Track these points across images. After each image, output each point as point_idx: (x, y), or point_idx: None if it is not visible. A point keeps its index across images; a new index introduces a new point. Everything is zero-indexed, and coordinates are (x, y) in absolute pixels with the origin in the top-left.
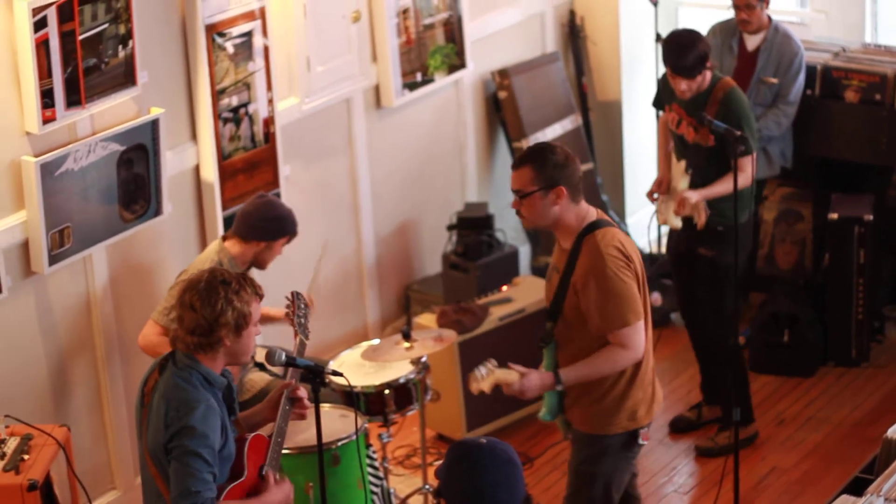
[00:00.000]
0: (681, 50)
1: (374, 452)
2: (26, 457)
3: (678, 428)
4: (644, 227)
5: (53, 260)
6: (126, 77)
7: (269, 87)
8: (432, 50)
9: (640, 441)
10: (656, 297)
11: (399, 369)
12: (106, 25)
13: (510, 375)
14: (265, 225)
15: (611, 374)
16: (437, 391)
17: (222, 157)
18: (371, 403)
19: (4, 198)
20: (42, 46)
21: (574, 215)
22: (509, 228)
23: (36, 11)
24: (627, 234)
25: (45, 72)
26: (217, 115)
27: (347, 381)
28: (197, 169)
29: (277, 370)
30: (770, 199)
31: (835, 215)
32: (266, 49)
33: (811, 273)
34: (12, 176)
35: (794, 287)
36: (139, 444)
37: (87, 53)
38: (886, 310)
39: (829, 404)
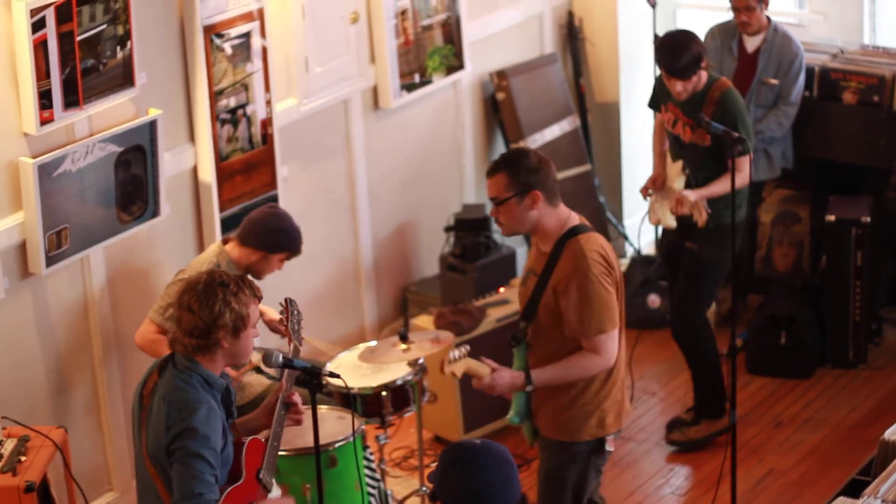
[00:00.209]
0: (674, 51)
1: (371, 454)
2: (23, 458)
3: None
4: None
5: (51, 261)
6: (124, 78)
7: (268, 89)
8: (430, 51)
9: (608, 448)
10: (654, 299)
11: (396, 371)
12: (104, 26)
13: (482, 369)
14: (266, 235)
15: (580, 380)
16: (435, 393)
17: (220, 158)
18: (368, 405)
19: (2, 199)
20: (40, 47)
21: (554, 219)
22: None
23: (34, 12)
24: (625, 236)
25: (43, 73)
26: (215, 117)
27: (345, 382)
28: (195, 170)
29: (274, 373)
30: (768, 201)
31: (832, 217)
32: (264, 50)
33: (809, 275)
34: (10, 177)
35: (791, 289)
36: (136, 445)
37: (86, 54)
38: (884, 312)
39: (826, 406)
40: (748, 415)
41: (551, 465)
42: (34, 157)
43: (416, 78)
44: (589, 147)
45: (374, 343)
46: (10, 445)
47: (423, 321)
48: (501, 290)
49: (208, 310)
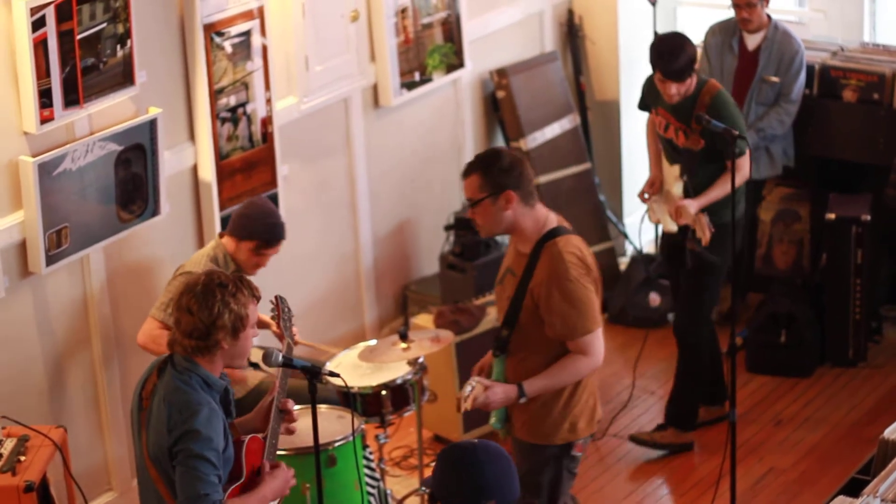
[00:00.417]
0: (671, 54)
1: (370, 453)
2: (23, 458)
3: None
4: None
5: (51, 260)
6: (124, 77)
7: (268, 87)
8: (430, 49)
9: (574, 453)
10: (654, 298)
11: (396, 370)
12: (104, 25)
13: (476, 388)
14: (235, 220)
15: (571, 383)
16: (434, 392)
17: (220, 156)
18: (368, 404)
19: (2, 198)
20: (40, 46)
21: (531, 220)
22: None
23: (34, 11)
24: (625, 234)
25: (43, 71)
26: (215, 115)
27: (344, 381)
28: (195, 169)
29: (274, 372)
30: (768, 199)
31: (832, 215)
32: (264, 48)
33: (809, 273)
34: (10, 176)
35: (791, 287)
36: (136, 446)
37: (86, 53)
38: (884, 310)
39: (826, 405)
40: (748, 413)
41: (526, 469)
42: (34, 156)
43: (417, 76)
44: (589, 145)
45: (373, 342)
46: (9, 445)
47: (423, 320)
48: None
49: (207, 311)
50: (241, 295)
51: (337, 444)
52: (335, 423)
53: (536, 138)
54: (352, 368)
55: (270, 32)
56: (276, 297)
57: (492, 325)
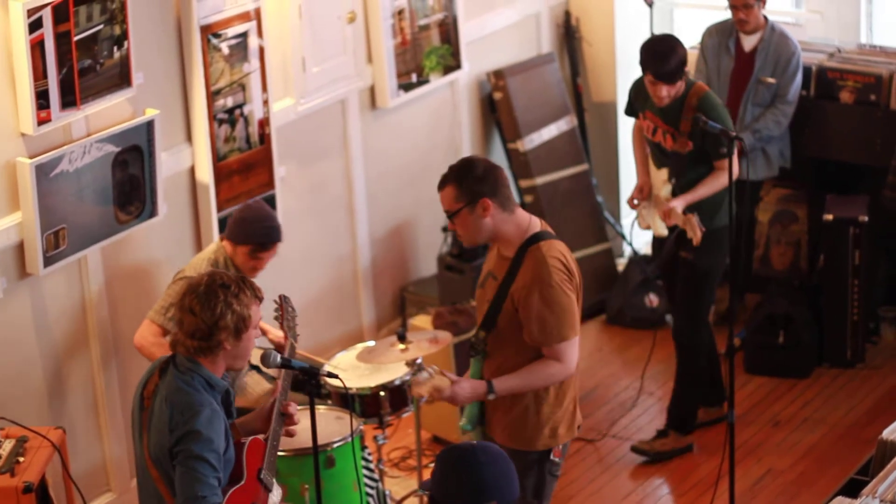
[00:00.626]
0: (663, 55)
1: (369, 454)
2: (21, 459)
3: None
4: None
5: (48, 261)
6: (121, 78)
7: (265, 88)
8: (427, 51)
9: (552, 458)
10: (653, 298)
11: (394, 371)
12: (101, 26)
13: (442, 381)
14: (231, 225)
15: (541, 388)
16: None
17: (217, 158)
18: (366, 405)
19: None
20: (37, 47)
21: (513, 225)
22: None
23: (31, 12)
24: (622, 235)
25: (40, 73)
26: (212, 117)
27: (343, 382)
28: (192, 170)
29: (274, 374)
30: (765, 201)
31: (830, 216)
32: (261, 50)
33: (806, 274)
34: (7, 177)
35: (789, 288)
36: (137, 447)
37: (83, 54)
38: (881, 310)
39: (824, 405)
40: (746, 414)
41: None
42: (31, 158)
43: (414, 78)
44: (586, 146)
45: (372, 343)
46: (8, 446)
47: (422, 321)
48: None
49: (210, 311)
50: (244, 296)
51: (335, 445)
52: (334, 424)
53: (533, 140)
54: (350, 369)
55: (267, 34)
56: (280, 297)
57: None
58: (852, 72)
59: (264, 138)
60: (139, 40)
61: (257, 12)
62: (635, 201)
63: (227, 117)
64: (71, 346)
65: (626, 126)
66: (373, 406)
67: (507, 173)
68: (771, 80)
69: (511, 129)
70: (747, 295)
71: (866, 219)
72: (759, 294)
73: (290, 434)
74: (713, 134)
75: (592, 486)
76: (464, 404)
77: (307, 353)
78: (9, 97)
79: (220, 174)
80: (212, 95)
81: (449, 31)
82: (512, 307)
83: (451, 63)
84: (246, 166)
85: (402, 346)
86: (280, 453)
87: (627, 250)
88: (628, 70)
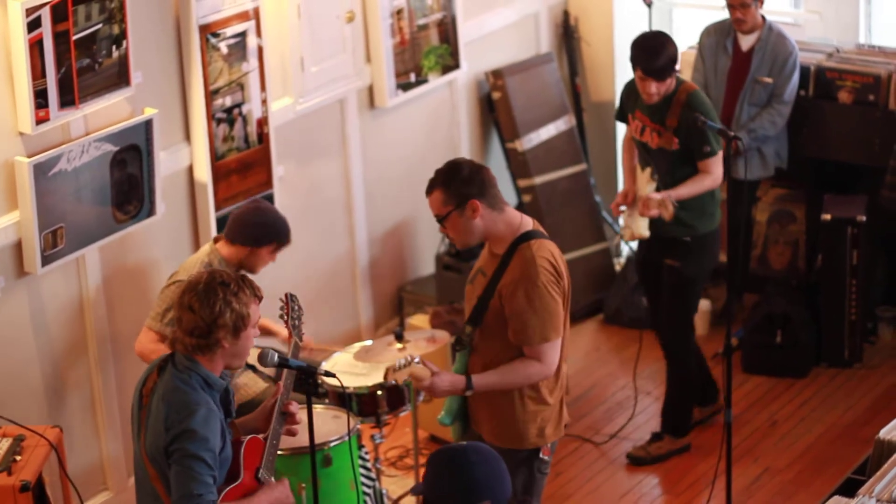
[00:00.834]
0: (653, 52)
1: (366, 453)
2: (18, 458)
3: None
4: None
5: (46, 260)
6: (120, 77)
7: (263, 88)
8: (426, 50)
9: (541, 456)
10: None
11: None
12: (100, 26)
13: (423, 372)
14: (249, 231)
15: (520, 386)
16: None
17: (216, 157)
18: (363, 404)
19: None
20: (36, 47)
21: (504, 224)
22: None
23: (30, 11)
24: (620, 235)
25: (38, 72)
26: (211, 116)
27: (340, 381)
28: (190, 169)
29: (271, 373)
30: (763, 200)
31: (828, 216)
32: (260, 49)
33: (804, 274)
34: (5, 176)
35: (787, 288)
36: (135, 445)
37: (81, 54)
38: (879, 310)
39: (821, 405)
40: (743, 414)
41: None
42: (30, 157)
43: (412, 77)
44: (584, 146)
45: (369, 342)
46: (5, 445)
47: (419, 320)
48: None
49: (209, 309)
50: (243, 294)
51: (332, 444)
52: (331, 423)
53: (532, 139)
54: (348, 368)
55: (266, 33)
56: (286, 295)
57: None
58: (851, 72)
59: (263, 138)
60: (138, 40)
61: (256, 12)
62: (621, 207)
63: (225, 116)
64: (68, 345)
65: (624, 126)
66: (370, 405)
67: (506, 173)
68: (767, 79)
69: (509, 129)
70: (745, 294)
71: (864, 219)
72: (756, 294)
73: (292, 433)
74: (699, 132)
75: (590, 484)
76: (442, 396)
77: (322, 345)
78: (7, 96)
79: (219, 173)
80: (210, 95)
81: (448, 31)
82: (499, 303)
83: (450, 63)
84: (244, 165)
85: (399, 346)
86: (278, 452)
87: (625, 250)
88: (627, 70)
